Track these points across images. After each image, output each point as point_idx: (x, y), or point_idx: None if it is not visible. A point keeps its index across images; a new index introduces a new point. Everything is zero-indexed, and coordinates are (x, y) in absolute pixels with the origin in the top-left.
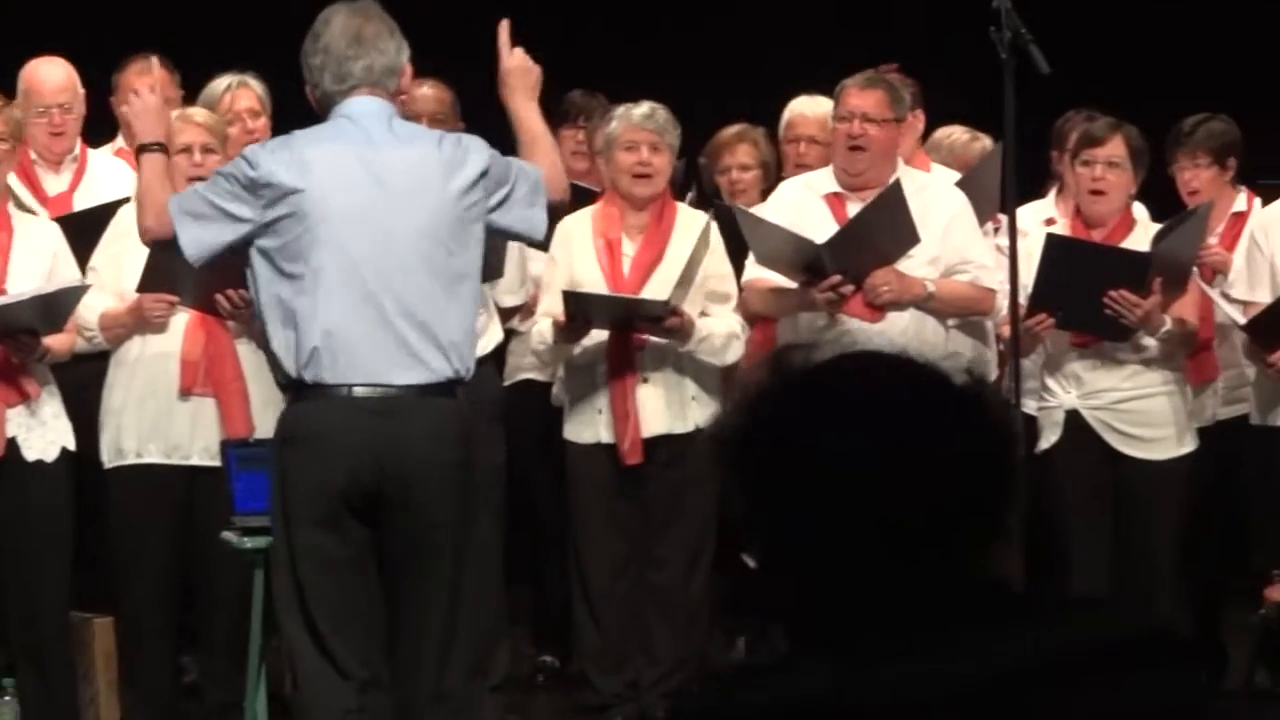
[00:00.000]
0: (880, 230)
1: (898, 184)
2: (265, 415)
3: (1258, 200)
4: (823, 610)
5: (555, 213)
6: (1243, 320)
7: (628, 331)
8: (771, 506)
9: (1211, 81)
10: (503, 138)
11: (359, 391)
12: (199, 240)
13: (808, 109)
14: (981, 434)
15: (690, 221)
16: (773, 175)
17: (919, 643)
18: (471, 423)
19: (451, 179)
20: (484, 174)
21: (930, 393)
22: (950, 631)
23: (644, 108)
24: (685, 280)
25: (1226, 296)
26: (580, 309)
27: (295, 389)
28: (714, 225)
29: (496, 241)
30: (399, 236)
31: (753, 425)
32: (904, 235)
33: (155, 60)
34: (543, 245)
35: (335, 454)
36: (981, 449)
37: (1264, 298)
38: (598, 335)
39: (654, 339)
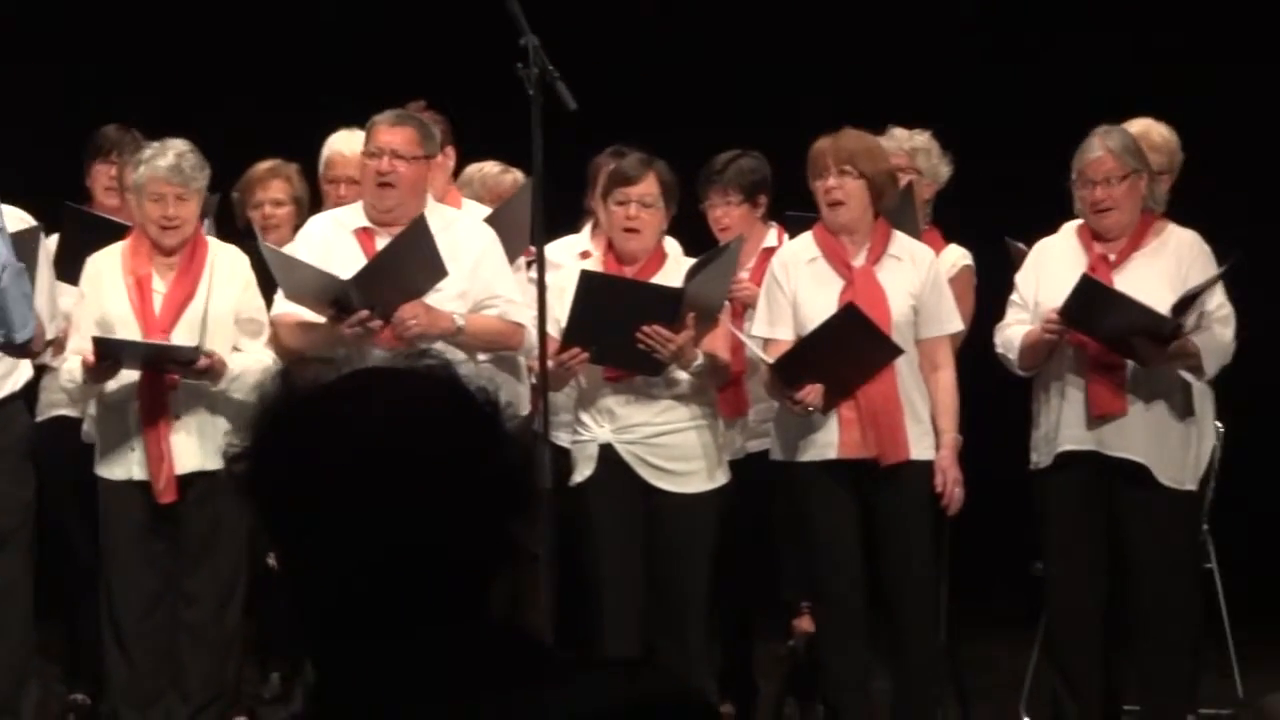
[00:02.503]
0: (407, 265)
1: (422, 219)
2: None
3: (787, 236)
4: (334, 649)
5: None
6: (765, 356)
7: (159, 371)
8: (278, 527)
9: (744, 118)
10: None
11: None
12: None
13: (345, 148)
14: (493, 451)
15: (221, 257)
16: (306, 211)
17: (432, 705)
18: None
19: None
20: None
21: (438, 411)
22: (467, 690)
23: (170, 157)
24: (214, 316)
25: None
26: (110, 352)
27: None
28: (245, 259)
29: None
30: None
31: (256, 444)
32: (431, 269)
33: None
34: None
35: None
36: (495, 466)
37: (784, 335)
38: (130, 374)
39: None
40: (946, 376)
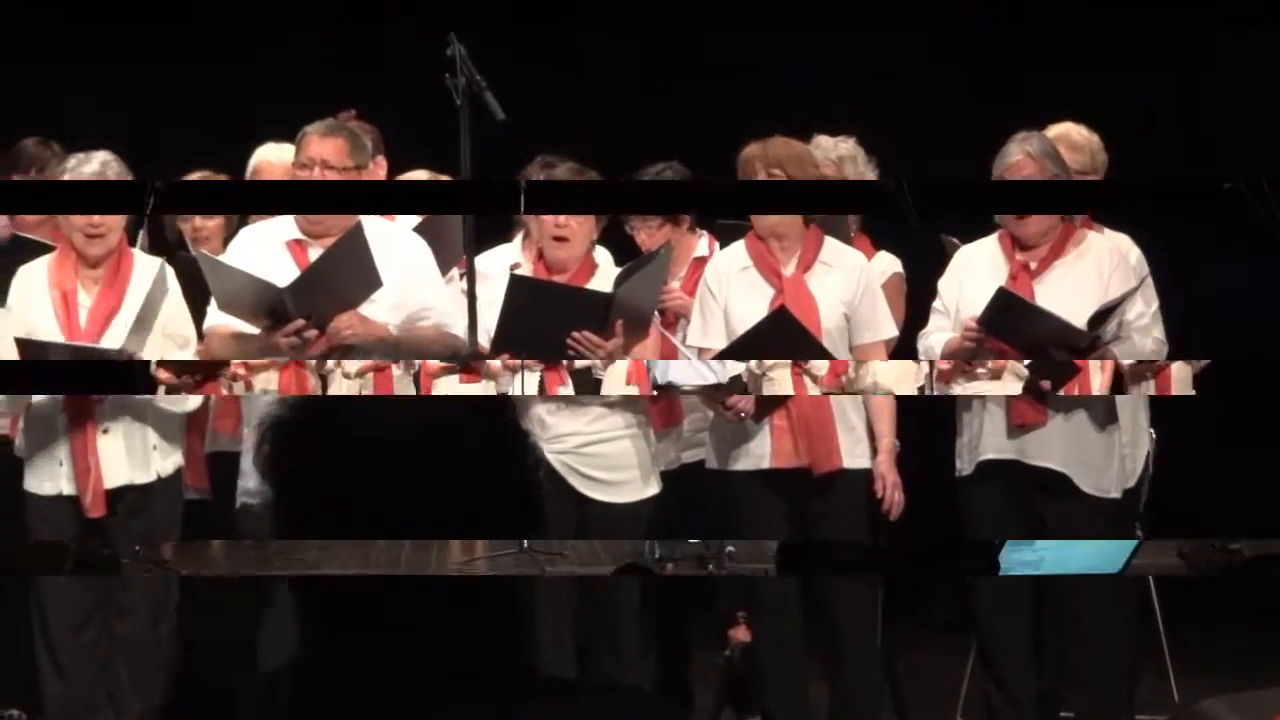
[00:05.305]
0: (342, 274)
1: (359, 227)
2: None
3: (719, 245)
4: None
5: None
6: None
7: None
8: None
9: (669, 132)
10: None
11: None
12: None
13: (274, 158)
14: (518, 470)
15: (147, 269)
16: (235, 223)
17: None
18: None
19: None
20: None
21: (469, 425)
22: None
23: (95, 164)
24: (141, 327)
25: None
26: (36, 358)
27: None
28: (169, 270)
29: None
30: None
31: (284, 441)
32: (366, 279)
33: None
34: None
35: None
36: (516, 484)
37: (718, 344)
38: None
39: None
40: None
